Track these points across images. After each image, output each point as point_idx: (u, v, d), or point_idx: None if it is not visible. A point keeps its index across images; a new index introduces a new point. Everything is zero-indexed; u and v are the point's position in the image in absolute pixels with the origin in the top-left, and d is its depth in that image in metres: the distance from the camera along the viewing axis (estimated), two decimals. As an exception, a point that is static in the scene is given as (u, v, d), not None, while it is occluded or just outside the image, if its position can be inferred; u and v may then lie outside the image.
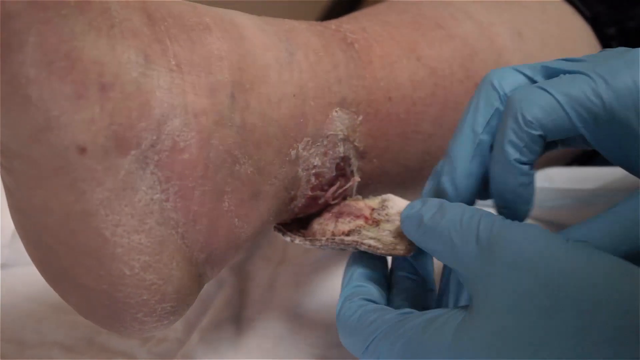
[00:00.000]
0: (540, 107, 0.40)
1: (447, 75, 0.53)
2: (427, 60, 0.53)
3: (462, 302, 0.45)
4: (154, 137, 0.39)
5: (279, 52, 0.45)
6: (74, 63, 0.35)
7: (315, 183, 0.47)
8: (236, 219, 0.43)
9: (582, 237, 0.43)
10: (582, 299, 0.32)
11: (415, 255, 0.45)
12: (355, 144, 0.48)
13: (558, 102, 0.40)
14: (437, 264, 0.47)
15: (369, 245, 0.44)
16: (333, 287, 0.59)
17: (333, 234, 0.47)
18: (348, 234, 0.46)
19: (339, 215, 0.48)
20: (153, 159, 0.39)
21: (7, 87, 0.34)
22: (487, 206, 0.45)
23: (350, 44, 0.49)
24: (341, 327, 0.42)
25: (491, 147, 0.43)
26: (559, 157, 0.67)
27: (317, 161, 0.47)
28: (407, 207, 0.43)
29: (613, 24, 0.66)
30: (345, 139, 0.48)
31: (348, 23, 0.52)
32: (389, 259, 0.47)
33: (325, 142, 0.47)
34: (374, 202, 0.49)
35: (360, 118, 0.48)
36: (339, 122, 0.47)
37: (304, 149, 0.46)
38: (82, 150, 0.36)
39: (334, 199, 0.49)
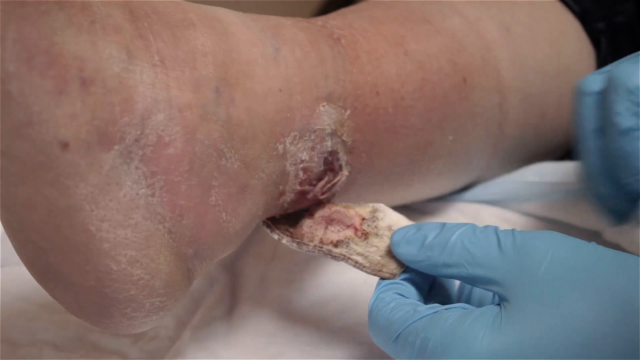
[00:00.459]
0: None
1: (435, 70, 0.53)
2: (415, 55, 0.53)
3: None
4: (138, 132, 0.39)
5: (265, 48, 0.45)
6: (55, 58, 0.35)
7: (303, 178, 0.47)
8: (224, 214, 0.43)
9: None
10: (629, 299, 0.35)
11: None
12: (343, 138, 0.48)
13: None
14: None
15: (356, 262, 0.45)
16: (325, 283, 0.59)
17: (321, 242, 0.47)
18: (336, 244, 0.46)
19: (329, 221, 0.48)
20: (138, 154, 0.39)
21: None
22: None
23: (337, 40, 0.49)
24: (372, 318, 0.42)
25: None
26: (549, 151, 0.67)
27: (304, 155, 0.47)
28: (400, 231, 0.44)
29: (602, 19, 0.66)
30: (333, 134, 0.48)
31: (335, 19, 0.52)
32: None
33: (312, 137, 0.47)
34: (365, 210, 0.49)
35: (348, 112, 0.48)
36: (326, 116, 0.47)
37: (291, 143, 0.46)
38: (65, 145, 0.36)
39: (322, 194, 0.49)
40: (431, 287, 0.46)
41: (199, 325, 0.56)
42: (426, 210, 0.65)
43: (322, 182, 0.48)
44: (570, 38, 0.65)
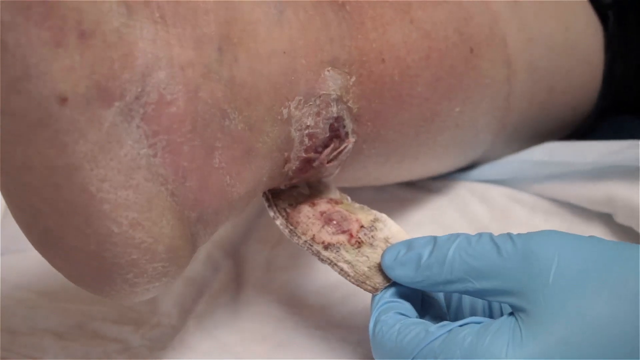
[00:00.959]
0: None
1: (442, 39, 0.52)
2: (421, 23, 0.52)
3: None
4: (139, 89, 0.38)
5: (268, 9, 0.44)
6: (52, 9, 0.34)
7: (308, 144, 0.46)
8: (228, 177, 0.42)
9: None
10: None
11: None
12: (349, 105, 0.47)
13: None
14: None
15: (341, 269, 0.44)
16: (332, 267, 0.57)
17: (313, 239, 0.46)
18: (327, 247, 0.45)
19: (327, 220, 0.47)
20: (139, 112, 0.38)
21: None
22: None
23: (342, 5, 0.48)
24: (377, 343, 0.41)
25: None
26: (557, 129, 0.66)
27: (310, 121, 0.46)
28: (390, 253, 0.43)
29: None
30: (339, 99, 0.46)
31: None
32: None
33: (317, 102, 0.46)
34: (367, 217, 0.48)
35: (354, 79, 0.47)
36: (331, 81, 0.46)
37: (296, 108, 0.45)
38: (63, 100, 0.35)
39: (329, 162, 0.48)
40: (422, 299, 0.45)
41: (204, 312, 0.55)
42: (434, 188, 0.64)
43: (328, 149, 0.47)
44: (578, 13, 0.64)
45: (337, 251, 0.45)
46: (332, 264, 0.45)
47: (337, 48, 0.46)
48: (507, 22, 0.58)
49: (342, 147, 0.48)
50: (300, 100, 0.45)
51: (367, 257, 0.45)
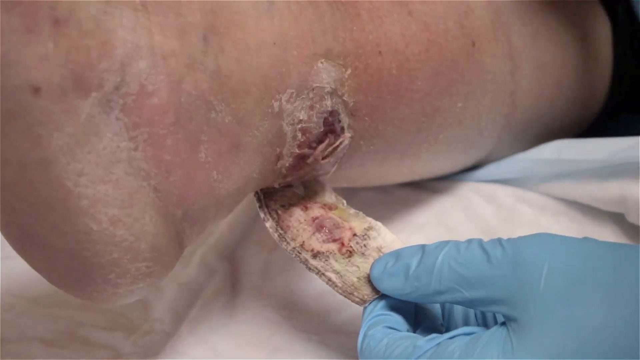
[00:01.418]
0: None
1: (442, 32, 0.51)
2: (420, 15, 0.50)
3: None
4: (118, 79, 0.36)
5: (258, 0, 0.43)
6: None
7: (302, 140, 0.44)
8: (215, 172, 0.40)
9: None
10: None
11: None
12: (344, 98, 0.45)
13: None
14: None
15: (329, 280, 0.43)
16: (332, 269, 0.55)
17: (302, 246, 0.44)
18: (316, 255, 0.44)
19: (319, 227, 0.45)
20: (118, 103, 0.36)
21: None
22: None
23: None
24: (365, 358, 0.40)
25: None
26: (566, 127, 0.64)
27: (302, 115, 0.44)
28: (378, 264, 0.42)
29: None
30: (333, 93, 0.45)
31: None
32: None
33: (311, 95, 0.44)
34: (361, 225, 0.46)
35: (349, 72, 0.46)
36: (325, 74, 0.44)
37: (287, 101, 0.43)
38: (36, 90, 0.34)
39: (324, 158, 0.46)
40: (416, 310, 0.43)
41: (198, 318, 0.53)
42: (438, 189, 0.62)
43: (323, 145, 0.45)
44: (585, 7, 0.63)
45: (326, 260, 0.44)
46: (320, 273, 0.43)
47: (330, 40, 0.45)
48: (510, 15, 0.56)
49: (337, 143, 0.46)
50: (292, 93, 0.43)
51: (358, 267, 0.44)
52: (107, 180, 0.36)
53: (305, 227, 0.46)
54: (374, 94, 0.47)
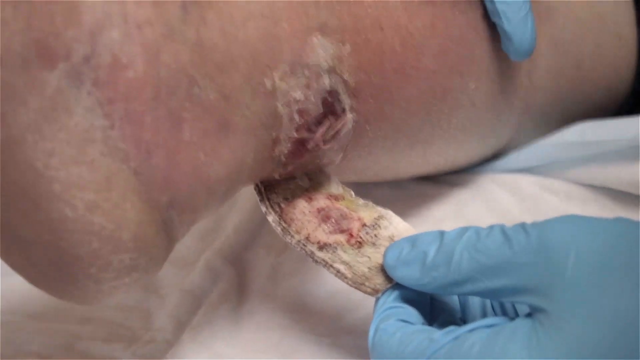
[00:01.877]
0: None
1: (448, 5, 0.48)
2: None
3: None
4: (88, 50, 0.33)
5: None
6: None
7: (300, 122, 0.42)
8: (201, 153, 0.38)
9: None
10: None
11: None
12: (344, 77, 0.43)
13: None
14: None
15: (338, 271, 0.40)
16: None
17: (307, 239, 0.42)
18: (322, 247, 0.41)
19: (325, 218, 0.43)
20: (89, 76, 0.34)
21: None
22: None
23: None
24: (377, 354, 0.37)
25: None
26: (590, 110, 0.60)
27: (299, 95, 0.41)
28: (392, 250, 0.39)
29: None
30: (331, 71, 0.42)
31: None
32: None
33: (306, 73, 0.41)
34: (370, 215, 0.44)
35: (348, 48, 0.43)
36: (321, 50, 0.42)
37: (281, 79, 0.40)
38: None
39: (325, 143, 0.43)
40: (432, 303, 0.40)
41: (201, 324, 0.51)
42: (456, 182, 0.59)
43: (323, 128, 0.43)
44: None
45: (334, 251, 0.41)
46: (328, 265, 0.40)
47: (325, 13, 0.42)
48: None
49: (339, 125, 0.43)
50: (285, 70, 0.40)
51: (369, 257, 0.41)
52: (80, 161, 0.34)
53: (310, 218, 0.43)
54: (377, 72, 0.44)
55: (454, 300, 0.41)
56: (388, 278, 0.39)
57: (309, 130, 0.42)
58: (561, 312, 0.32)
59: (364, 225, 0.43)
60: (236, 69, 0.38)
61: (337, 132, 0.43)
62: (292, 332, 0.49)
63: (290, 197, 0.44)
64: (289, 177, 0.45)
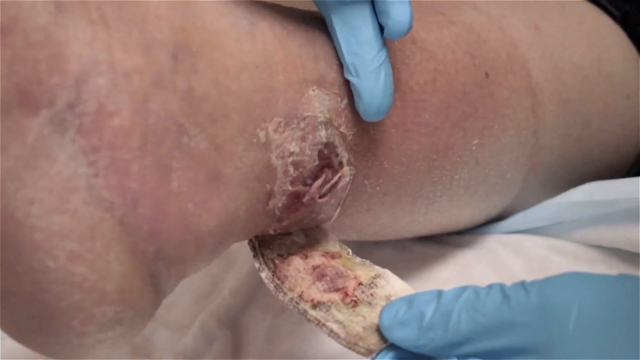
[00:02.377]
0: None
1: (450, 62, 0.47)
2: (425, 44, 0.47)
3: None
4: (72, 97, 0.33)
5: (237, 20, 0.40)
6: None
7: (295, 175, 0.41)
8: (191, 204, 0.37)
9: None
10: None
11: None
12: (341, 130, 0.42)
13: None
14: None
15: (331, 331, 0.39)
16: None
17: (301, 296, 0.40)
18: (316, 305, 0.40)
19: (320, 276, 0.42)
20: (73, 123, 0.33)
21: None
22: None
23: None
24: None
25: None
26: (598, 171, 0.59)
27: (294, 147, 0.40)
28: (388, 311, 0.37)
29: None
30: (328, 123, 0.41)
31: None
32: None
33: (302, 125, 0.40)
34: (367, 273, 0.43)
35: (345, 101, 0.42)
36: (317, 102, 0.41)
37: (275, 131, 0.39)
38: None
39: (321, 197, 0.42)
40: None
41: (194, 388, 0.49)
42: (460, 243, 0.58)
43: (319, 181, 0.42)
44: (612, 43, 0.59)
45: (328, 310, 0.40)
46: (321, 324, 0.39)
47: (323, 66, 0.42)
48: (528, 47, 0.53)
49: (335, 179, 0.42)
50: (280, 122, 0.40)
51: (364, 316, 0.40)
52: (62, 210, 0.33)
53: (305, 276, 0.42)
54: (376, 126, 0.44)
55: None
56: (383, 338, 0.38)
57: (305, 183, 0.41)
58: None
59: (360, 284, 0.42)
60: (228, 119, 0.38)
61: (334, 186, 0.43)
62: (288, 396, 0.47)
63: (285, 254, 0.43)
64: (284, 233, 0.44)
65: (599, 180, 0.55)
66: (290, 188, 0.41)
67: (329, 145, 0.42)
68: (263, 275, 0.42)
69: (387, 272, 0.43)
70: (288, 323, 0.53)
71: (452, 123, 0.47)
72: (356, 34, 0.40)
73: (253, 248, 0.43)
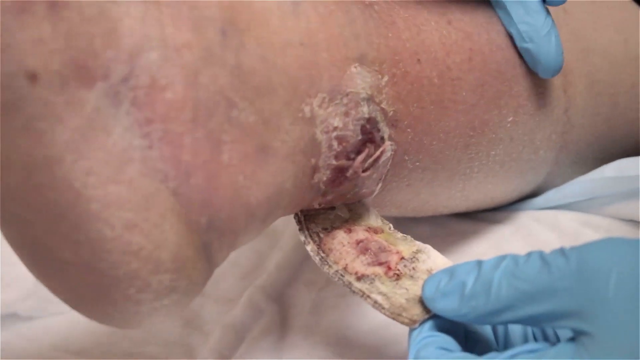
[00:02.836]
0: None
1: (485, 41, 0.46)
2: (460, 25, 0.45)
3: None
4: (126, 70, 0.32)
5: (281, 0, 0.38)
6: None
7: (338, 149, 0.39)
8: (241, 176, 0.35)
9: None
10: None
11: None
12: (383, 106, 0.40)
13: None
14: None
15: (375, 302, 0.38)
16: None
17: (345, 269, 0.39)
18: (360, 278, 0.39)
19: (363, 250, 0.41)
20: (127, 96, 0.32)
21: None
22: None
23: (369, 5, 0.42)
24: None
25: None
26: (626, 150, 0.57)
27: (337, 122, 0.39)
28: (431, 282, 0.36)
29: None
30: (370, 99, 0.40)
31: None
32: None
33: (345, 101, 0.39)
34: (409, 249, 0.41)
35: (386, 79, 0.41)
36: (359, 79, 0.40)
37: (319, 106, 0.38)
38: (33, 77, 0.30)
39: (364, 171, 0.41)
40: (466, 334, 0.38)
41: (243, 358, 0.48)
42: (496, 219, 0.56)
43: (362, 155, 0.40)
44: (638, 27, 0.57)
45: (372, 282, 0.39)
46: (365, 295, 0.38)
47: (364, 44, 0.40)
48: (558, 30, 0.51)
49: (378, 153, 0.41)
50: (324, 97, 0.38)
51: (406, 289, 0.39)
52: (119, 180, 0.32)
53: (349, 249, 0.41)
54: (415, 103, 0.42)
55: (488, 332, 0.38)
56: (426, 309, 0.37)
57: (348, 157, 0.40)
58: (605, 334, 0.30)
59: (402, 258, 0.41)
60: (275, 94, 0.36)
61: (376, 160, 0.41)
62: (334, 365, 0.46)
63: (330, 228, 0.42)
64: (328, 207, 0.43)
65: (629, 157, 0.53)
66: (334, 162, 0.40)
67: (371, 120, 0.40)
68: (308, 248, 0.41)
69: (428, 247, 0.42)
70: (332, 296, 0.52)
71: (488, 100, 0.46)
72: (524, 6, 0.45)
73: (299, 222, 0.42)
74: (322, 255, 0.40)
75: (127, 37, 0.32)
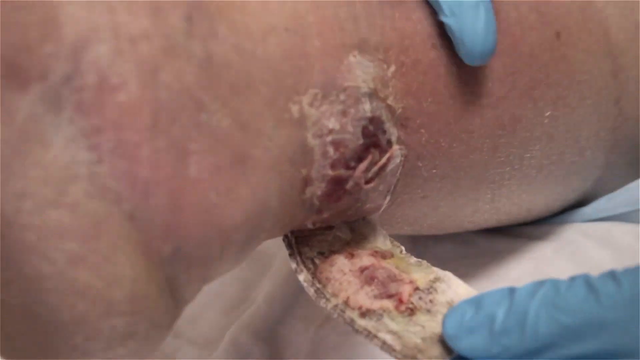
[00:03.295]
0: None
1: (514, 20, 0.46)
2: None
3: None
4: (69, 69, 0.32)
5: None
6: None
7: (335, 156, 0.39)
8: (213, 193, 0.35)
9: None
10: None
11: None
12: (389, 102, 0.40)
13: None
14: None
15: (384, 342, 0.37)
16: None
17: (346, 303, 0.39)
18: (365, 314, 0.39)
19: (369, 279, 0.41)
20: (70, 100, 0.32)
21: None
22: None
23: None
24: None
25: None
26: None
27: (333, 123, 0.39)
28: (453, 317, 0.36)
29: None
30: (372, 94, 0.40)
31: None
32: None
33: (342, 97, 0.39)
34: (425, 277, 0.41)
35: (393, 69, 0.41)
36: (359, 70, 0.40)
37: (310, 104, 0.38)
38: None
39: (367, 182, 0.41)
40: None
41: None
42: (535, 235, 0.57)
43: (365, 163, 0.40)
44: None
45: (379, 319, 0.39)
46: (371, 335, 0.38)
47: (364, 27, 0.41)
48: (605, 4, 0.51)
49: (384, 160, 0.41)
50: (316, 94, 0.39)
51: (422, 326, 0.38)
52: (60, 203, 0.32)
53: (351, 279, 0.41)
54: (430, 98, 0.43)
55: None
56: (447, 349, 0.37)
57: (347, 166, 0.40)
58: None
59: (417, 289, 0.41)
60: (254, 91, 0.37)
61: (382, 169, 0.41)
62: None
63: (327, 252, 0.43)
64: (325, 227, 0.43)
65: None
66: (330, 172, 0.40)
67: (374, 120, 0.40)
68: (301, 277, 0.41)
69: (448, 275, 0.42)
70: (334, 334, 0.53)
71: (520, 92, 0.46)
72: None
73: (289, 245, 0.42)
74: (318, 286, 0.40)
75: (70, 27, 0.32)
